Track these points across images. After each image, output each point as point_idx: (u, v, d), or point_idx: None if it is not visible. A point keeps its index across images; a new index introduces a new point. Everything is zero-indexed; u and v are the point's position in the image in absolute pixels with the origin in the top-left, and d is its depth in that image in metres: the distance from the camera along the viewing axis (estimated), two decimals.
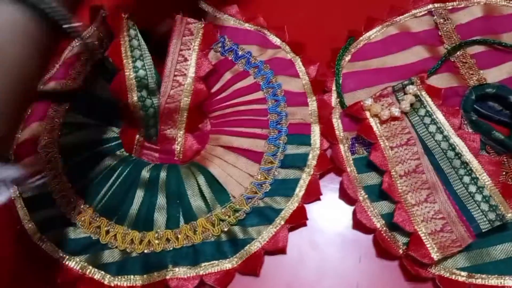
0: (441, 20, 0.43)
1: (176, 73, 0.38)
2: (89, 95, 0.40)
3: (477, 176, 0.34)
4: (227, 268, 0.33)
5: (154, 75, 0.36)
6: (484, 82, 0.39)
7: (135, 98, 0.36)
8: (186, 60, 0.38)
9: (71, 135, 0.39)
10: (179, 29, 0.39)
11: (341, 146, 0.37)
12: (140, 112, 0.36)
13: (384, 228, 0.34)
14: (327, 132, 0.38)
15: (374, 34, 0.43)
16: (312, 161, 0.37)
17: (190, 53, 0.38)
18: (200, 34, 0.39)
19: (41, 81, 0.41)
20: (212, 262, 0.33)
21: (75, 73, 0.42)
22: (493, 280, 0.32)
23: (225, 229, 0.34)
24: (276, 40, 0.43)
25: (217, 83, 0.41)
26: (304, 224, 0.35)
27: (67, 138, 0.38)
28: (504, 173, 0.36)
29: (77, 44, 0.43)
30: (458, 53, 0.41)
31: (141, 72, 0.36)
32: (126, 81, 0.36)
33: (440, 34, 0.43)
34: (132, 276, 0.33)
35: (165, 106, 0.36)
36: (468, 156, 0.34)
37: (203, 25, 0.39)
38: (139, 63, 0.36)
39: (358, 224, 0.35)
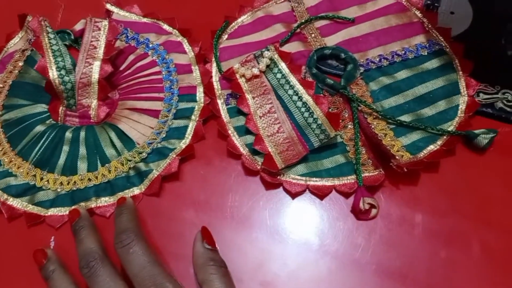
0: (296, 4, 0.56)
1: (87, 57, 0.49)
2: (21, 83, 0.52)
3: (313, 110, 0.47)
4: (136, 193, 0.45)
5: (70, 59, 0.48)
6: (324, 46, 0.53)
7: (56, 76, 0.47)
8: (95, 48, 0.50)
9: (10, 113, 0.49)
10: (89, 27, 0.51)
11: (218, 100, 0.50)
12: (61, 87, 0.48)
13: (248, 153, 0.47)
14: (208, 91, 0.50)
15: (246, 18, 0.56)
16: (197, 112, 0.49)
17: (98, 43, 0.50)
18: (106, 29, 0.51)
19: None
20: (125, 190, 0.45)
21: (10, 67, 0.53)
22: (324, 181, 0.45)
23: (132, 166, 0.46)
24: (168, 28, 0.55)
25: (123, 64, 0.52)
26: (193, 157, 0.47)
27: (6, 116, 0.49)
28: (336, 108, 0.49)
29: (10, 47, 0.55)
30: (307, 27, 0.55)
31: (59, 58, 0.48)
32: (48, 64, 0.47)
33: (294, 14, 0.56)
34: (62, 208, 0.44)
35: (80, 81, 0.48)
36: (306, 97, 0.47)
37: (107, 22, 0.52)
38: (57, 52, 0.48)
39: (230, 153, 0.47)
